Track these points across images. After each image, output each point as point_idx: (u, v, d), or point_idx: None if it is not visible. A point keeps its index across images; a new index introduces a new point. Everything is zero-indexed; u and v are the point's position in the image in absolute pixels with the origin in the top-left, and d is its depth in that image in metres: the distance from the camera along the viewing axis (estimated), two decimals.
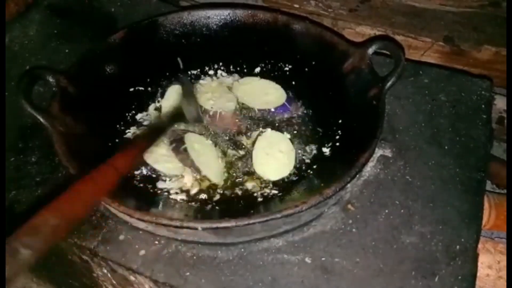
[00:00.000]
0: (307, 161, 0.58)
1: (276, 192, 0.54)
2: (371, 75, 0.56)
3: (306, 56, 0.64)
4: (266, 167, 0.56)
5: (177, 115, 0.54)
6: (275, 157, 0.56)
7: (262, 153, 0.57)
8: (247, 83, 0.67)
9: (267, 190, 0.54)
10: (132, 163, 0.41)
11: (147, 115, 0.63)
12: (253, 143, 0.59)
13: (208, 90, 0.66)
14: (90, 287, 0.58)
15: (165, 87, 0.66)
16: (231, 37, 0.66)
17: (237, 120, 0.63)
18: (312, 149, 0.59)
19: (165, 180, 0.55)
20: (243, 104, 0.65)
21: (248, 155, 0.58)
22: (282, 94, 0.65)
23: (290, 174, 0.56)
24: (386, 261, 0.48)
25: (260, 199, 0.53)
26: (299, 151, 0.59)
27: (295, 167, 0.56)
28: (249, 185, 0.55)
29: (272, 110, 0.64)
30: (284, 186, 0.55)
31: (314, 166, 0.56)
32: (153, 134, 0.49)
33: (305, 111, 0.64)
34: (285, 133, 0.60)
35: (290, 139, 0.59)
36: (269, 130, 0.60)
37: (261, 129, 0.61)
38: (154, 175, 0.56)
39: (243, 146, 0.59)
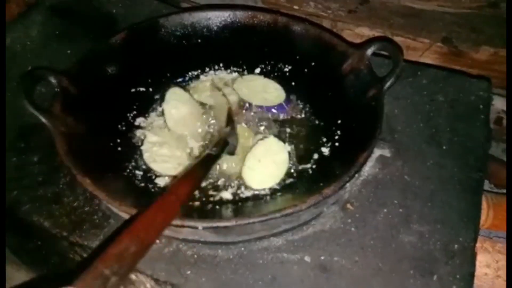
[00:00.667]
0: (306, 163, 0.58)
1: (276, 191, 0.54)
2: (370, 76, 0.56)
3: (306, 57, 0.64)
4: (252, 172, 0.54)
5: (224, 145, 0.54)
6: (265, 166, 0.55)
7: (254, 159, 0.56)
8: (249, 80, 0.68)
9: (267, 190, 0.55)
10: (192, 191, 0.44)
11: (147, 119, 0.64)
12: (251, 145, 0.58)
13: (206, 88, 0.67)
14: None
15: (166, 88, 0.66)
16: (231, 38, 0.67)
17: (243, 112, 0.64)
18: (310, 152, 0.59)
19: (166, 180, 0.56)
20: (241, 98, 0.65)
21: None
22: (281, 94, 0.65)
23: (280, 182, 0.55)
24: (385, 260, 0.48)
25: (260, 199, 0.53)
26: (297, 152, 0.59)
27: (287, 173, 0.56)
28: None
29: (273, 110, 0.65)
30: (284, 185, 0.55)
31: (313, 166, 0.57)
32: (207, 163, 0.50)
33: (303, 112, 0.64)
34: (286, 144, 0.58)
35: (289, 152, 0.58)
36: (272, 137, 0.58)
37: (266, 134, 0.60)
38: (155, 175, 0.56)
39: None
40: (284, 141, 0.59)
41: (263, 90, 0.66)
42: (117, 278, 0.28)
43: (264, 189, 0.55)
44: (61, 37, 0.75)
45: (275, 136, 0.59)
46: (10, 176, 0.55)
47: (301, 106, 0.65)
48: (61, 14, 0.79)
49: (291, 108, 0.65)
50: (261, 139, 0.58)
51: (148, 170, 0.57)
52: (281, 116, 0.64)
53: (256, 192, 0.54)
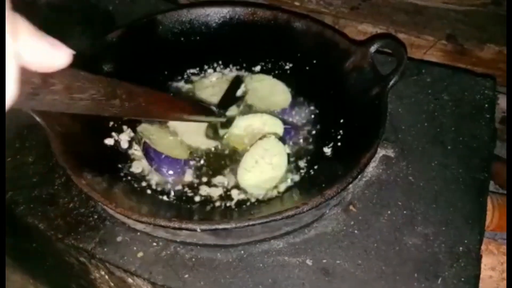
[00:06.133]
0: (308, 163, 0.57)
1: (276, 192, 0.53)
2: (373, 74, 0.55)
3: (307, 54, 0.63)
4: (248, 175, 0.53)
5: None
6: (262, 168, 0.53)
7: (252, 159, 0.54)
8: (259, 80, 0.66)
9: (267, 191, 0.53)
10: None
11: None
12: (251, 144, 0.56)
13: (208, 85, 0.66)
14: None
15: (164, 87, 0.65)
16: (231, 35, 0.65)
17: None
18: (312, 152, 0.58)
19: (163, 180, 0.54)
20: (247, 101, 0.64)
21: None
22: (288, 97, 0.64)
23: (281, 183, 0.53)
24: (389, 263, 0.47)
25: (260, 200, 0.52)
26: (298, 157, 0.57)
27: (288, 174, 0.55)
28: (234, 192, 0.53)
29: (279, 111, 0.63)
30: (285, 186, 0.54)
31: (315, 167, 0.55)
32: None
33: (304, 111, 0.63)
34: (286, 146, 0.57)
35: (288, 154, 0.56)
36: (272, 137, 0.56)
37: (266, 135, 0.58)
38: (152, 174, 0.55)
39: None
40: (284, 142, 0.57)
41: (271, 93, 0.64)
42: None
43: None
44: (58, 35, 0.73)
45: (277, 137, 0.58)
46: (5, 177, 0.54)
47: (302, 105, 0.64)
48: (57, 11, 0.78)
49: (292, 108, 0.64)
50: (261, 138, 0.57)
51: (144, 171, 0.55)
52: (283, 117, 0.63)
53: (256, 193, 0.53)
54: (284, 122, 0.60)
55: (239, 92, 0.58)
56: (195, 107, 0.46)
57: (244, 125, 0.59)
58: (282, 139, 0.58)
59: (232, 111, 0.58)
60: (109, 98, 0.24)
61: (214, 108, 0.49)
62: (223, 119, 0.56)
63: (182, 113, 0.44)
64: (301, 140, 0.60)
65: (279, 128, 0.59)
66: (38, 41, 0.18)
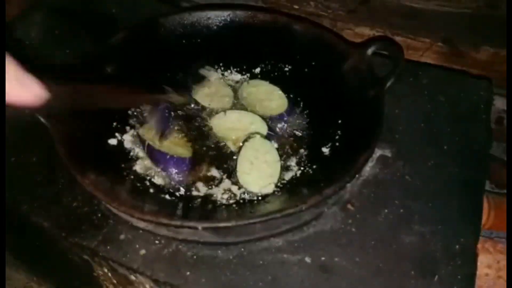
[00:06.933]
0: (306, 163, 0.58)
1: (276, 191, 0.54)
2: (370, 76, 0.56)
3: (306, 56, 0.64)
4: (249, 177, 0.54)
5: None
6: (259, 168, 0.55)
7: (247, 162, 0.55)
8: (255, 85, 0.67)
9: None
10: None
11: None
12: (239, 148, 0.57)
13: (205, 84, 0.67)
14: (90, 287, 0.58)
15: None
16: (232, 37, 0.66)
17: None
18: (310, 152, 0.59)
19: (164, 180, 0.55)
20: (242, 104, 0.65)
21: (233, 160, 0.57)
22: (284, 103, 0.64)
23: (276, 187, 0.54)
24: (386, 260, 0.48)
25: (260, 198, 0.53)
26: (292, 157, 0.58)
27: (287, 174, 0.56)
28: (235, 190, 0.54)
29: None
30: (284, 186, 0.55)
31: (314, 166, 0.56)
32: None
33: (303, 112, 0.64)
34: (272, 142, 0.58)
35: (277, 149, 0.58)
36: (258, 137, 0.58)
37: (250, 135, 0.59)
38: (155, 174, 0.56)
39: (230, 152, 0.59)
40: (270, 140, 0.58)
41: (267, 98, 0.65)
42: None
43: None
44: (61, 37, 0.75)
45: (265, 136, 0.59)
46: (9, 176, 0.55)
47: (301, 106, 0.65)
48: (60, 14, 0.79)
49: (289, 118, 0.63)
50: (246, 140, 0.58)
51: (147, 170, 0.56)
52: (281, 123, 0.63)
53: (258, 192, 0.54)
54: (270, 128, 0.61)
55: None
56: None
57: (233, 119, 0.61)
58: (267, 137, 0.59)
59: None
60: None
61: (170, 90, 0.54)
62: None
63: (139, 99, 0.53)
64: (300, 141, 0.61)
65: (264, 130, 0.60)
66: None
